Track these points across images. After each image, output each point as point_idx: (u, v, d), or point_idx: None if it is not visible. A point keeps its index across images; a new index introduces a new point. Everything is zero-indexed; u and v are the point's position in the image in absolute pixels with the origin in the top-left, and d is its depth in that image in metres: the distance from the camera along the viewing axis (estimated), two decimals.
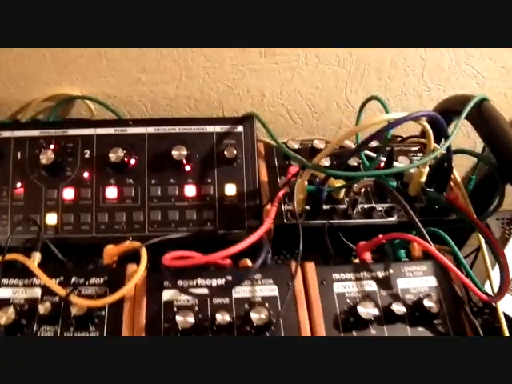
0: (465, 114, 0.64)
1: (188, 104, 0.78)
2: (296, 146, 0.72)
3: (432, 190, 0.69)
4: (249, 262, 0.61)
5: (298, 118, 0.81)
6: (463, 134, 0.86)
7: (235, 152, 0.65)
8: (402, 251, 0.65)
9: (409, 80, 0.77)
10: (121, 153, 0.64)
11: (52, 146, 0.66)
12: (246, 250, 0.56)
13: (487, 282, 0.63)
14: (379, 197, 0.69)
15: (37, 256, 0.60)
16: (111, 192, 0.65)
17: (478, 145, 0.86)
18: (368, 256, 0.63)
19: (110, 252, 0.61)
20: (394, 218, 0.68)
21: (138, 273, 0.55)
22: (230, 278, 0.59)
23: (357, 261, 0.65)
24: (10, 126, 0.67)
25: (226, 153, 0.65)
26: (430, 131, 0.59)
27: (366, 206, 0.68)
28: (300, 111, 0.80)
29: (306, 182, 0.63)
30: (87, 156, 0.66)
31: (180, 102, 0.77)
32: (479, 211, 0.69)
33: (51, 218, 0.64)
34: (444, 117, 0.74)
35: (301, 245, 0.59)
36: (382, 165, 0.71)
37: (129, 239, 0.64)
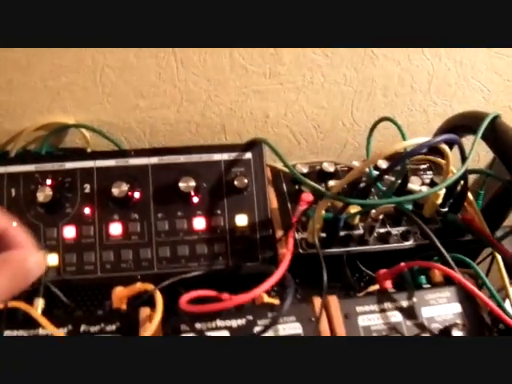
0: (480, 132, 0.62)
1: (189, 129, 0.74)
2: (305, 170, 0.70)
3: (446, 209, 0.67)
4: (265, 297, 0.58)
5: (302, 139, 0.79)
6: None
7: (246, 181, 0.62)
8: (423, 277, 0.63)
9: (415, 96, 0.76)
10: (124, 187, 0.60)
11: (49, 182, 0.61)
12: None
13: (507, 301, 0.62)
14: (393, 220, 0.67)
15: (40, 302, 0.56)
16: (115, 228, 0.61)
17: (482, 159, 0.85)
18: (389, 284, 0.61)
19: (120, 294, 0.57)
20: (410, 242, 0.66)
21: (154, 321, 0.52)
22: (250, 317, 0.55)
23: (374, 287, 0.63)
24: (2, 160, 0.63)
25: (236, 182, 0.62)
26: (450, 155, 0.58)
27: (381, 230, 0.66)
28: (305, 132, 0.77)
29: (324, 211, 0.60)
30: (87, 191, 0.62)
31: (180, 127, 0.74)
32: (490, 228, 0.68)
33: (52, 259, 0.60)
34: (453, 133, 0.74)
35: (325, 278, 0.56)
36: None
37: (137, 278, 0.61)
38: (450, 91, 0.77)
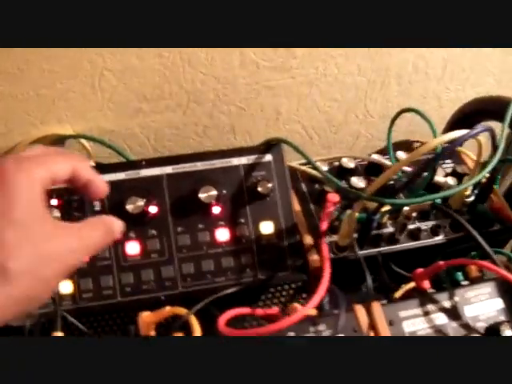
0: (508, 119, 0.60)
1: (196, 131, 0.69)
2: (325, 168, 0.66)
3: (472, 199, 0.65)
4: (299, 307, 0.54)
5: (314, 134, 0.75)
6: None
7: (270, 185, 0.58)
8: (459, 274, 0.61)
9: (429, 83, 0.73)
10: (140, 202, 0.55)
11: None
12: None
13: None
14: (421, 215, 0.64)
15: None
16: (132, 247, 0.56)
17: None
18: (427, 284, 0.59)
19: (147, 320, 0.52)
20: (441, 237, 0.63)
21: None
22: (292, 334, 0.52)
23: (407, 287, 0.61)
24: None
25: (259, 188, 0.58)
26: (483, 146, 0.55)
27: (411, 226, 0.63)
28: (317, 126, 0.73)
29: (357, 213, 0.57)
30: (98, 209, 0.56)
31: (187, 130, 0.68)
32: None
33: (66, 287, 0.55)
34: (472, 119, 0.71)
35: (370, 283, 0.53)
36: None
37: (160, 299, 0.56)
38: (464, 76, 0.74)
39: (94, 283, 0.55)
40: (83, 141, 0.64)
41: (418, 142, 0.82)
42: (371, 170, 0.69)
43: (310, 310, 0.50)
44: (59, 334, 0.51)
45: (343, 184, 0.65)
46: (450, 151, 0.53)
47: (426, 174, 0.64)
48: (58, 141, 0.63)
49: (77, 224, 0.39)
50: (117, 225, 0.42)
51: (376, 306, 0.53)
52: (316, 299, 0.49)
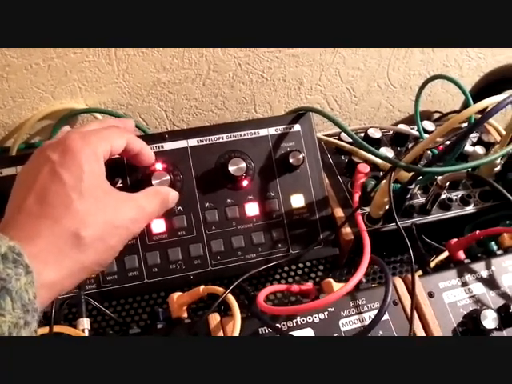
0: None
1: (215, 103, 0.65)
2: (350, 139, 0.64)
3: (499, 169, 0.63)
4: (333, 283, 0.52)
5: (335, 105, 0.72)
6: None
7: (301, 157, 0.55)
8: (493, 243, 0.59)
9: (452, 51, 0.70)
10: (165, 176, 0.52)
11: None
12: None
13: None
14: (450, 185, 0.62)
15: (85, 323, 0.48)
16: (158, 225, 0.53)
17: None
18: (462, 255, 0.57)
19: (180, 302, 0.50)
20: (471, 207, 0.62)
21: (235, 329, 0.45)
22: (332, 309, 0.50)
23: (439, 258, 0.59)
24: (13, 160, 0.52)
25: (291, 160, 0.55)
26: None
27: (442, 197, 0.61)
28: (339, 97, 0.70)
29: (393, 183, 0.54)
30: (120, 185, 0.53)
31: (206, 102, 0.65)
32: None
33: None
34: (497, 87, 0.70)
35: (412, 256, 0.51)
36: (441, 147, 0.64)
37: (190, 279, 0.54)
38: None
39: (118, 265, 0.52)
40: (97, 115, 0.61)
41: (438, 112, 0.80)
42: (397, 140, 0.67)
43: (350, 285, 0.48)
44: (85, 320, 0.48)
45: (370, 155, 0.63)
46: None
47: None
48: (71, 115, 0.59)
49: (136, 194, 0.41)
50: (172, 195, 0.46)
51: (415, 278, 0.51)
52: (360, 274, 0.47)
